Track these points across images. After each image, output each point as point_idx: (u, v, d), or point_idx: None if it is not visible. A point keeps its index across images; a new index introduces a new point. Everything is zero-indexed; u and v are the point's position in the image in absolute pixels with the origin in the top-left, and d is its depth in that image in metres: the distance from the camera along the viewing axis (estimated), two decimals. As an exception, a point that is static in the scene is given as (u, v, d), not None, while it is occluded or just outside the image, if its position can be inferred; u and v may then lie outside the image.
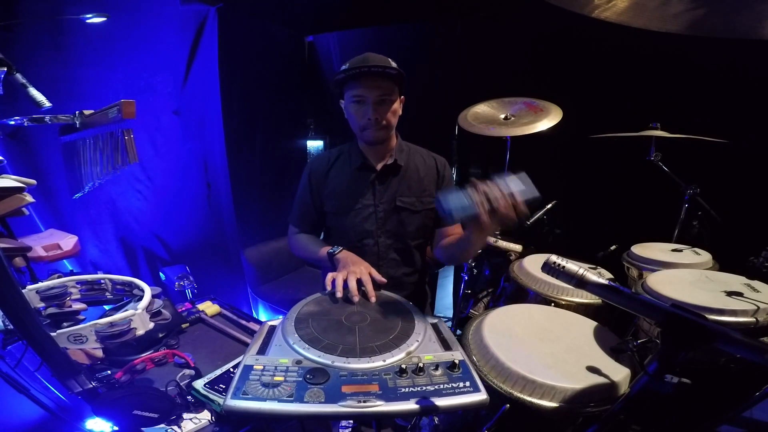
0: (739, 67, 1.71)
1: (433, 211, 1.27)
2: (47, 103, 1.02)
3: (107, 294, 0.97)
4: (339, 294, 0.93)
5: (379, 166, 1.26)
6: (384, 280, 1.01)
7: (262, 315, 2.42)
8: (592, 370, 0.81)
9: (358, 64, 1.11)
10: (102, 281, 0.97)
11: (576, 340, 0.93)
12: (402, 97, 1.22)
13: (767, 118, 1.68)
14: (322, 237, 1.40)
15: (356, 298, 0.91)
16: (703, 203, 1.66)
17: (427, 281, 1.45)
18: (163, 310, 0.90)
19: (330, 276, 0.98)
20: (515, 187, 0.78)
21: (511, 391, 0.80)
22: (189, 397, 0.85)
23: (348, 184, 1.27)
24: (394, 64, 1.13)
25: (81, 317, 0.87)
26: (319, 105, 2.94)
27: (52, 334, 0.69)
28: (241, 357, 0.70)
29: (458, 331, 1.30)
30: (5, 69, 0.96)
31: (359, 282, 0.97)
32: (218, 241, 2.35)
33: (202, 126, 2.18)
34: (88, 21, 1.27)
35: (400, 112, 1.23)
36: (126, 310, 0.81)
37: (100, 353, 0.94)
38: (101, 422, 0.89)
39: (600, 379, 0.78)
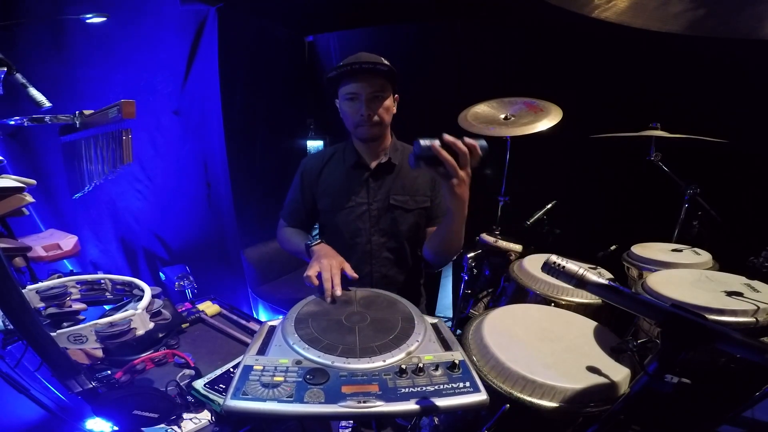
0: (739, 67, 1.71)
1: (426, 210, 1.27)
2: (47, 103, 1.02)
3: (107, 294, 0.97)
4: (315, 283, 0.95)
5: (373, 164, 1.26)
6: (356, 275, 0.99)
7: (262, 315, 2.42)
8: (592, 370, 0.81)
9: (349, 62, 1.12)
10: (102, 281, 0.97)
11: (576, 340, 0.93)
12: (396, 96, 1.23)
13: (767, 118, 1.68)
14: (316, 235, 1.40)
15: (328, 298, 0.91)
16: (703, 203, 1.65)
17: (423, 283, 1.44)
18: (163, 310, 0.90)
19: (305, 275, 0.98)
20: (471, 139, 0.92)
21: (511, 391, 0.80)
22: (189, 397, 0.85)
23: (341, 182, 1.27)
24: (385, 62, 1.14)
25: (81, 317, 0.86)
26: (319, 105, 2.94)
27: (52, 334, 0.69)
28: (241, 357, 0.70)
29: (458, 331, 1.30)
30: (5, 69, 0.95)
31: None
32: (218, 241, 2.36)
33: (202, 126, 2.19)
34: (88, 21, 1.27)
35: (395, 110, 1.24)
36: (126, 310, 0.81)
37: (100, 353, 0.94)
38: (101, 422, 0.89)
39: (600, 379, 0.78)
